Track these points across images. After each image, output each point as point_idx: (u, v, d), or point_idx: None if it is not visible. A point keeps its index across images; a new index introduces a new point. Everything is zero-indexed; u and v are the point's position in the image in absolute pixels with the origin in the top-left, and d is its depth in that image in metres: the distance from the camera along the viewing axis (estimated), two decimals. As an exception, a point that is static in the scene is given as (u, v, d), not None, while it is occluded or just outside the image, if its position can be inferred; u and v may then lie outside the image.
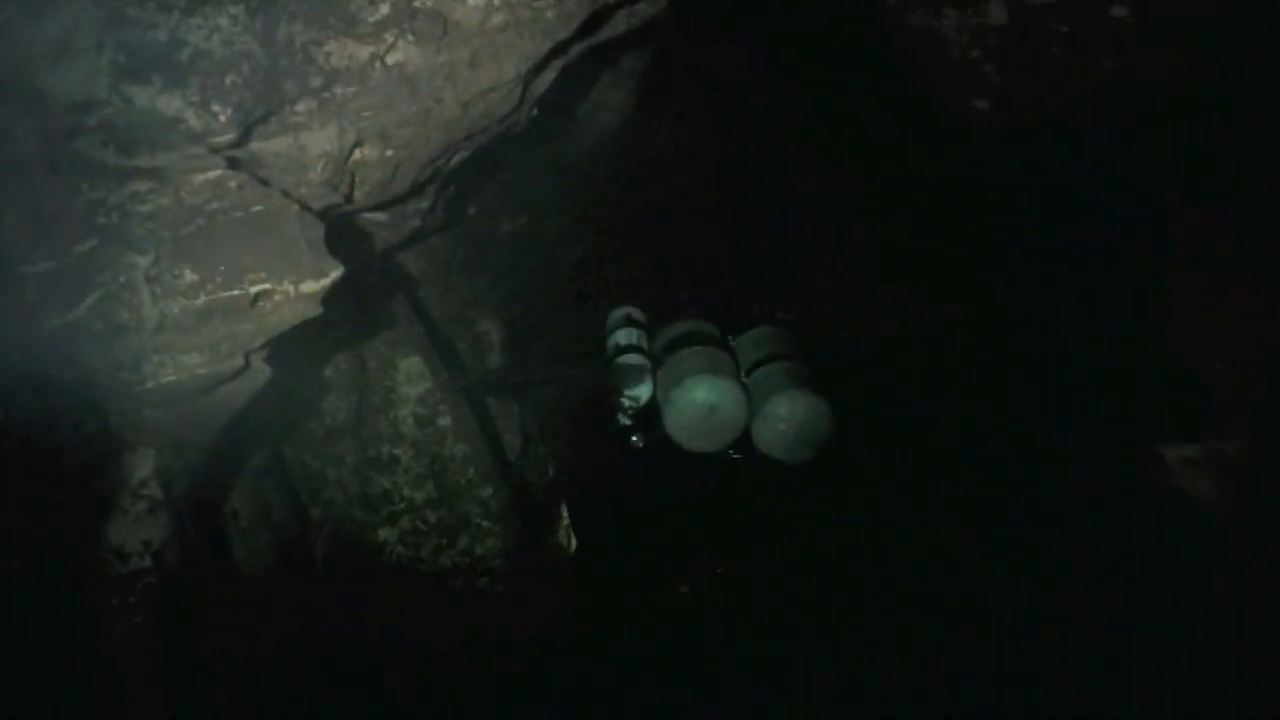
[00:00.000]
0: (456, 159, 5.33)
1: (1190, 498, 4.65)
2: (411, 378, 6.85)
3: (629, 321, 6.81)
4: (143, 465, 4.44)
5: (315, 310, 4.52)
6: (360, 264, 5.81)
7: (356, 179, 4.90)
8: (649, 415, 6.53)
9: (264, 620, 5.65)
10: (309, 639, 6.03)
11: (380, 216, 5.57)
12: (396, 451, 6.84)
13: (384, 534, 6.82)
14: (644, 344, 6.72)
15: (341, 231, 5.19)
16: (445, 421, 6.90)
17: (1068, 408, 5.40)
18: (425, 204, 5.64)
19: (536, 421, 7.58)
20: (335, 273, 4.48)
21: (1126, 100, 4.65)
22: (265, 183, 4.54)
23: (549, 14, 4.80)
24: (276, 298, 4.40)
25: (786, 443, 6.34)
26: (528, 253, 7.47)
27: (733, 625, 6.90)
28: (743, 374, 6.49)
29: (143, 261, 4.26)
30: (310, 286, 4.45)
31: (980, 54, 5.10)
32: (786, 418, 6.27)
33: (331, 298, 4.68)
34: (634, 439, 6.63)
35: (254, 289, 4.39)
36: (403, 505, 6.87)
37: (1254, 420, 4.60)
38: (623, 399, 6.55)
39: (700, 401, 6.27)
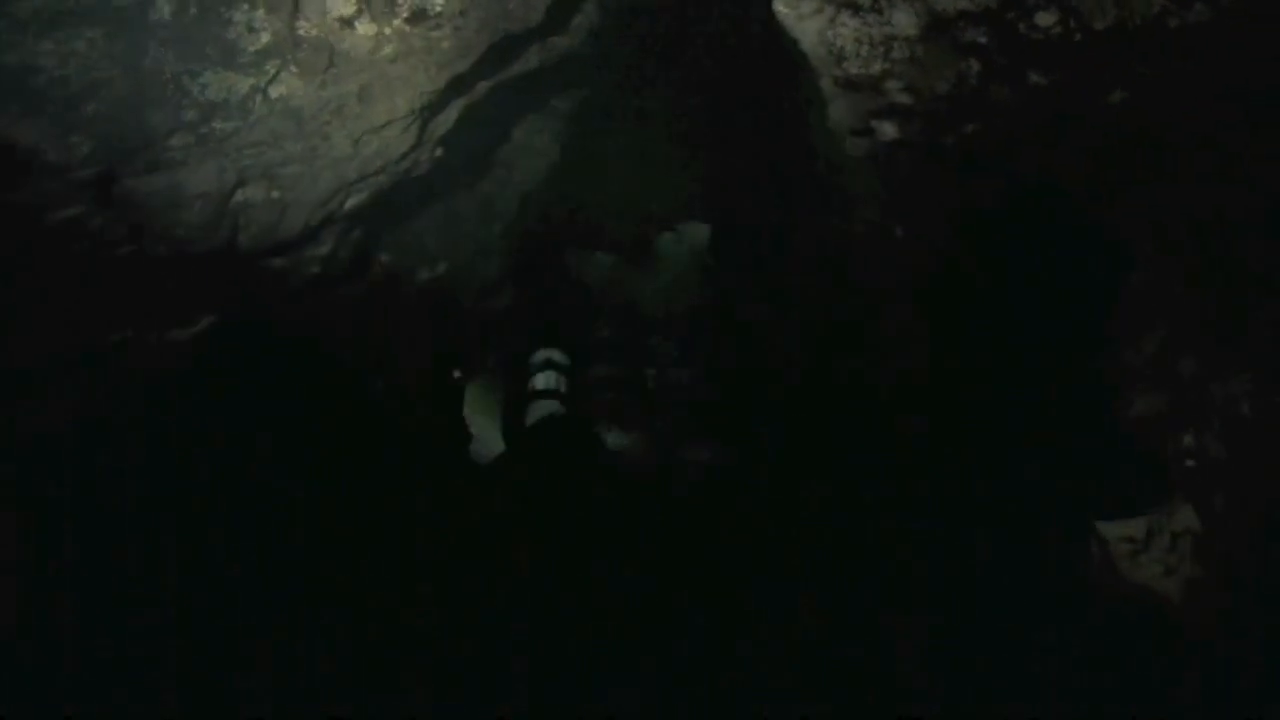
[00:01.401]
0: (351, 202, 4.98)
1: (1134, 583, 4.61)
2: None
3: (548, 365, 6.74)
4: None
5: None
6: (253, 313, 5.48)
7: (240, 221, 4.55)
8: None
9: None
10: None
11: (276, 261, 5.22)
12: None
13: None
14: (562, 387, 6.72)
15: (228, 276, 4.85)
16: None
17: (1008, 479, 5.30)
18: (324, 250, 5.28)
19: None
20: (205, 320, 4.12)
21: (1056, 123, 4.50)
22: (136, 226, 4.17)
23: (445, 44, 4.49)
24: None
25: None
26: (452, 300, 7.08)
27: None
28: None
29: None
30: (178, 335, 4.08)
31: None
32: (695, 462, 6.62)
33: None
34: None
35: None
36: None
37: (1203, 491, 4.46)
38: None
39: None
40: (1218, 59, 4.19)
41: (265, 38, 4.18)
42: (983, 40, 4.44)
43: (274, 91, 4.27)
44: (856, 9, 4.49)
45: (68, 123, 3.98)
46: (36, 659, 4.18)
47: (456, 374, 7.16)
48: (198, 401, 4.82)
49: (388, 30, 4.34)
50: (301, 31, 4.21)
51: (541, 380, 6.70)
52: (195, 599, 4.84)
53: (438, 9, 4.48)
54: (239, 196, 4.48)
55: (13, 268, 3.97)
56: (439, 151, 5.24)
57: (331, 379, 6.33)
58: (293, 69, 4.26)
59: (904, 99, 4.77)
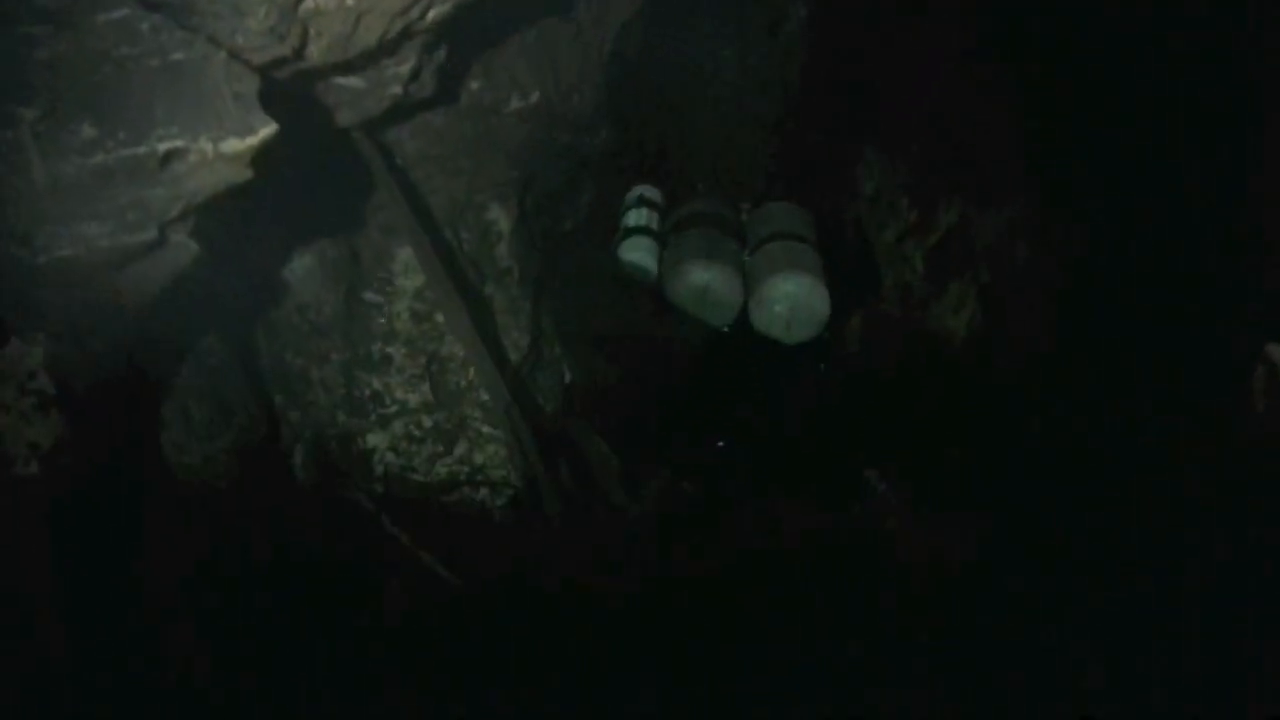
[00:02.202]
0: (434, 12, 4.56)
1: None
2: (409, 270, 6.17)
3: (641, 201, 6.94)
4: (31, 354, 3.72)
5: (242, 174, 3.80)
6: (330, 134, 5.13)
7: (311, 30, 4.16)
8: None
9: (219, 533, 4.99)
10: (282, 554, 5.42)
11: (353, 81, 4.83)
12: (390, 350, 6.19)
13: (373, 439, 6.19)
14: (654, 224, 6.88)
15: (297, 92, 4.47)
16: (444, 317, 6.15)
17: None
18: (405, 68, 4.90)
19: (551, 319, 6.81)
20: (265, 130, 3.76)
21: None
22: (192, 29, 3.78)
23: None
24: (192, 158, 3.65)
25: (782, 323, 6.57)
26: (544, 136, 6.65)
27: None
28: (748, 253, 6.74)
29: (29, 115, 3.52)
30: (234, 146, 3.70)
31: None
32: (780, 299, 6.50)
33: (276, 164, 4.02)
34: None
35: (163, 146, 3.64)
36: (395, 408, 6.28)
37: None
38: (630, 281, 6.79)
39: (693, 285, 6.57)
40: None
41: None
42: None
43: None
44: None
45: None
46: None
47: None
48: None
49: None
50: None
51: (634, 217, 6.89)
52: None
53: None
54: (309, 2, 4.05)
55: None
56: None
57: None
58: None
59: None
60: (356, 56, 4.48)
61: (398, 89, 4.99)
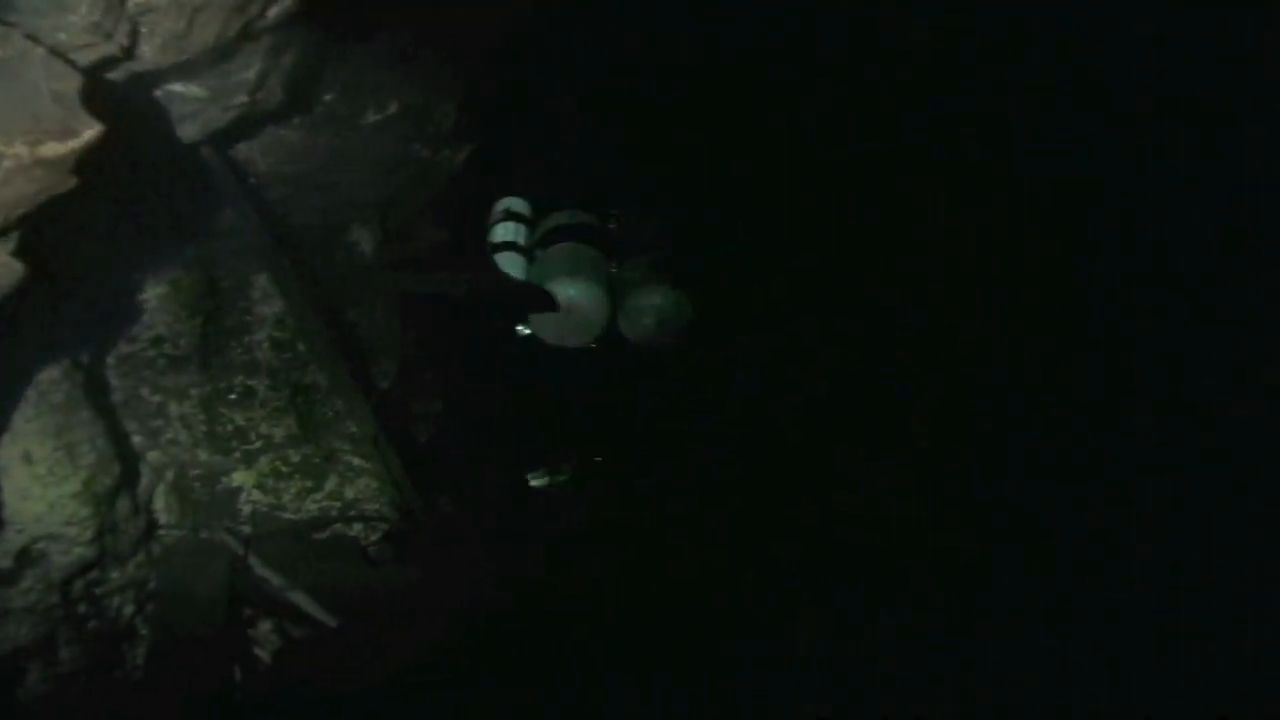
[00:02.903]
0: (275, 10, 4.24)
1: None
2: (268, 296, 5.84)
3: (508, 215, 6.87)
4: None
5: (65, 182, 3.44)
6: (177, 149, 4.80)
7: (141, 28, 3.82)
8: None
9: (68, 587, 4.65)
10: (136, 601, 5.28)
11: (195, 89, 4.50)
12: (252, 382, 5.86)
13: (239, 477, 5.89)
14: (520, 239, 6.81)
15: (135, 101, 4.14)
16: (306, 346, 5.83)
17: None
18: (250, 74, 4.58)
19: (421, 342, 6.51)
20: (89, 132, 3.41)
21: None
22: (8, 24, 3.44)
23: None
24: (6, 163, 3.31)
25: (650, 334, 6.66)
26: (404, 150, 6.35)
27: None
28: (614, 266, 6.79)
29: None
30: (54, 149, 3.36)
31: None
32: (648, 309, 6.61)
33: (118, 179, 3.71)
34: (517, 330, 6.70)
35: (-29, 150, 3.30)
36: (259, 444, 5.98)
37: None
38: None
39: (561, 299, 6.46)
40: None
41: None
42: None
43: None
44: None
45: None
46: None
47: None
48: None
49: None
50: None
51: (501, 232, 6.81)
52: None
53: None
54: (137, -4, 3.73)
55: None
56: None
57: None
58: None
59: None
60: (196, 58, 4.13)
61: (243, 97, 4.67)
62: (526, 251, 6.79)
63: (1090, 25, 5.11)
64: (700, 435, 6.91)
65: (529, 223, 6.93)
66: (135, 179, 4.35)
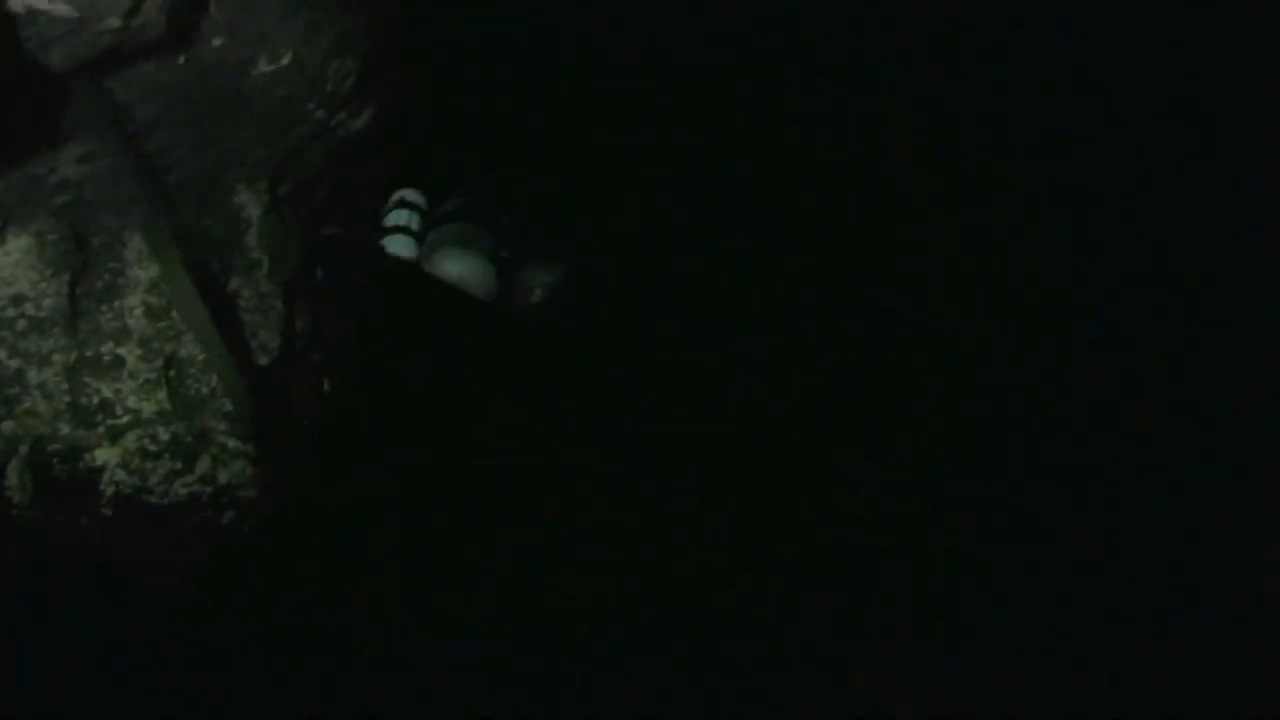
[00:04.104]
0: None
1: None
2: (144, 258, 5.33)
3: (402, 204, 7.09)
4: None
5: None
6: (40, 80, 4.30)
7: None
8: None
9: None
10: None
11: (59, 6, 4.01)
12: (121, 351, 5.37)
13: (102, 455, 5.39)
14: (414, 225, 7.04)
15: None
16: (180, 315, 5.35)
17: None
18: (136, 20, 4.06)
19: (308, 319, 6.03)
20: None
21: None
22: None
23: None
24: None
25: (538, 310, 6.82)
26: (298, 109, 5.87)
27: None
28: (502, 251, 6.96)
29: None
30: None
31: None
32: (534, 288, 6.81)
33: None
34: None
35: None
36: (127, 419, 5.46)
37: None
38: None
39: (446, 273, 6.78)
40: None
41: None
42: None
43: None
44: None
45: None
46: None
47: None
48: None
49: None
50: None
51: (393, 218, 7.09)
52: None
53: None
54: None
55: None
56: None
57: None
58: None
59: None
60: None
61: (116, 21, 4.19)
62: (418, 236, 7.05)
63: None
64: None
65: (423, 212, 7.18)
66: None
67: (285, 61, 5.57)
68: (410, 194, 7.20)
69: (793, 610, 5.19)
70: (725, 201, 7.21)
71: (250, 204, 5.81)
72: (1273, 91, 4.36)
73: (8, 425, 5.01)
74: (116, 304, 5.32)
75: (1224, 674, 3.92)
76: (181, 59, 5.09)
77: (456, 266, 6.80)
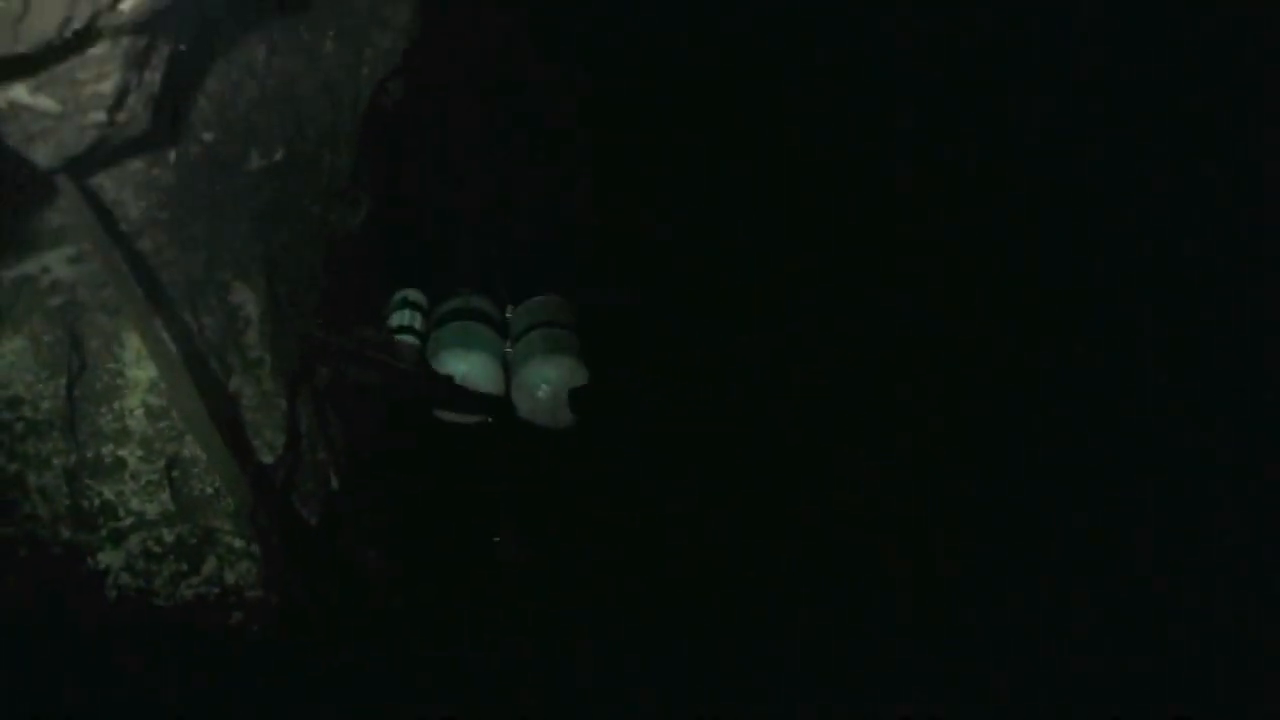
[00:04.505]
0: (130, 5, 3.74)
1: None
2: (142, 358, 5.28)
3: (405, 304, 7.02)
4: None
5: None
6: (28, 177, 4.29)
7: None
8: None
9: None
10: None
11: (44, 101, 4.00)
12: (122, 453, 5.36)
13: (105, 558, 5.32)
14: (417, 324, 6.93)
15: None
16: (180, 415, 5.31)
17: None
18: (106, 86, 4.08)
19: (312, 419, 5.98)
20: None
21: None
22: None
23: None
24: None
25: (545, 408, 6.70)
26: (293, 204, 5.86)
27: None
28: (509, 344, 6.91)
29: None
30: None
31: None
32: (540, 384, 6.67)
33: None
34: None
35: None
36: (130, 521, 5.39)
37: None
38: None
39: (450, 374, 6.61)
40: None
41: None
42: None
43: None
44: None
45: None
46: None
47: None
48: None
49: None
50: None
51: (397, 319, 6.98)
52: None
53: None
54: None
55: None
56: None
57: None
58: None
59: None
60: (37, 54, 3.60)
61: (100, 115, 4.17)
62: (422, 336, 6.93)
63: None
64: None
65: (425, 311, 7.12)
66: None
67: (278, 157, 5.54)
68: (412, 293, 7.10)
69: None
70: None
71: (248, 302, 5.78)
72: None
73: (7, 530, 4.94)
74: (116, 405, 5.28)
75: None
76: (172, 155, 5.08)
77: (461, 365, 6.67)
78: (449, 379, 6.66)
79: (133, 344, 5.31)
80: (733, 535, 6.05)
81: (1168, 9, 4.94)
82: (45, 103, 4.09)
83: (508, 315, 7.23)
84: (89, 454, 5.27)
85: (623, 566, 5.92)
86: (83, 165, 4.59)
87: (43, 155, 4.33)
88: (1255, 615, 3.99)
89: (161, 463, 5.35)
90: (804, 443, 6.18)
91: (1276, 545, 4.06)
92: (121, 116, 4.34)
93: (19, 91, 3.94)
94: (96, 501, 5.25)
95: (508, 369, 6.89)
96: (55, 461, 5.15)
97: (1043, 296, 5.40)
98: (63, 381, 5.14)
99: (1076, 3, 5.36)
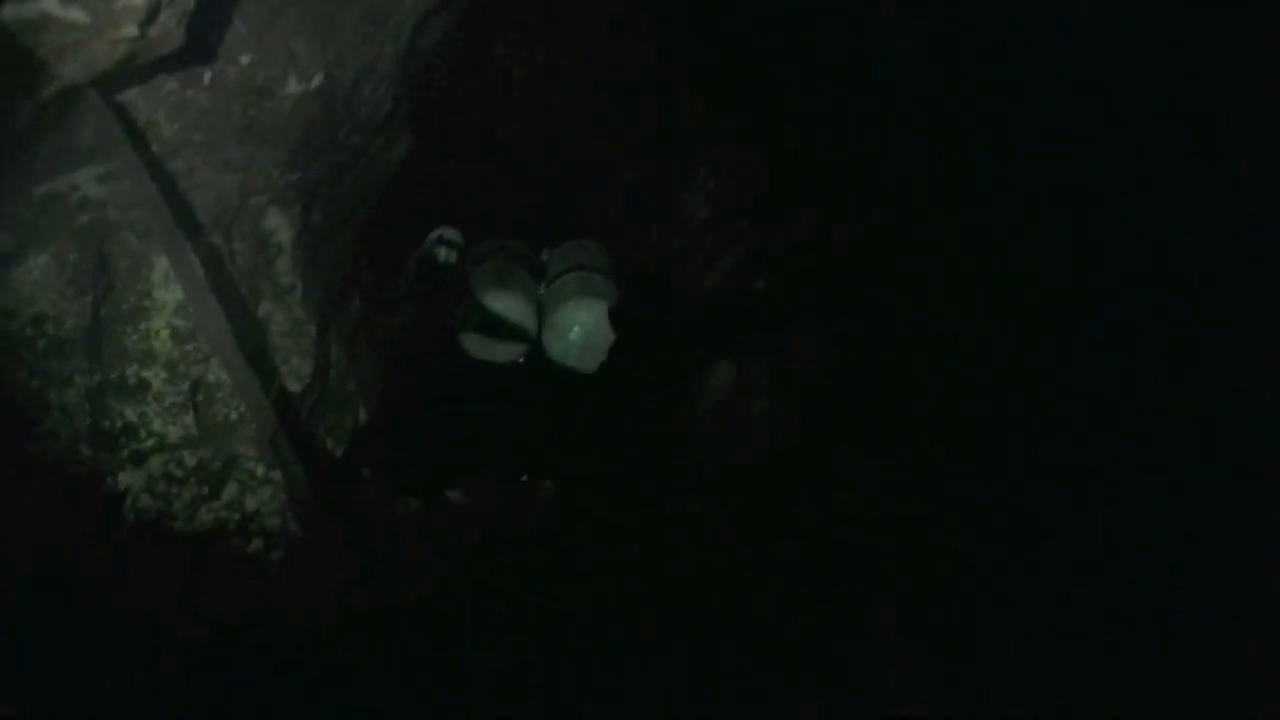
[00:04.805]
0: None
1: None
2: (170, 280, 5.20)
3: (441, 242, 6.77)
4: None
5: None
6: (58, 91, 4.23)
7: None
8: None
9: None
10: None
11: (75, 13, 3.92)
12: (146, 374, 5.30)
13: (125, 479, 5.26)
14: (453, 262, 6.75)
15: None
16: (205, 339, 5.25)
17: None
18: (138, 0, 3.97)
19: (342, 347, 5.91)
20: None
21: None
22: None
23: None
24: None
25: (576, 351, 6.60)
26: (330, 133, 5.78)
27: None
28: (544, 287, 6.69)
29: None
30: None
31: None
32: (572, 326, 6.54)
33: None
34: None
35: None
36: (151, 443, 5.36)
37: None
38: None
39: (485, 315, 6.47)
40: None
41: None
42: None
43: None
44: None
45: None
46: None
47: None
48: None
49: None
50: None
51: (432, 257, 6.77)
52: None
53: None
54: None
55: None
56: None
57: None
58: None
59: None
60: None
61: (132, 30, 4.09)
62: (457, 276, 6.74)
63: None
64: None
65: (460, 250, 6.85)
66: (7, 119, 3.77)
67: (316, 84, 5.46)
68: (449, 232, 6.89)
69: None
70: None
71: (281, 229, 5.72)
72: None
73: (30, 447, 4.89)
74: (142, 326, 5.24)
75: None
76: (206, 76, 5.00)
77: (496, 306, 6.54)
78: (483, 317, 6.56)
79: (161, 265, 5.26)
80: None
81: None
82: (76, 15, 4.02)
83: (543, 258, 7.03)
84: (113, 374, 5.23)
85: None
86: (114, 81, 4.50)
87: (73, 69, 4.27)
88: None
89: (186, 386, 5.31)
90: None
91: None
92: (154, 32, 4.28)
93: (50, 3, 3.86)
94: (118, 422, 5.20)
95: (541, 311, 6.73)
96: (78, 380, 5.10)
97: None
98: (88, 300, 5.09)
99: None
